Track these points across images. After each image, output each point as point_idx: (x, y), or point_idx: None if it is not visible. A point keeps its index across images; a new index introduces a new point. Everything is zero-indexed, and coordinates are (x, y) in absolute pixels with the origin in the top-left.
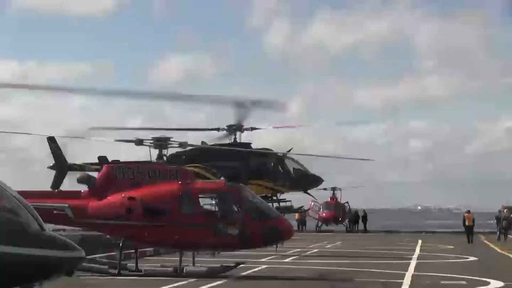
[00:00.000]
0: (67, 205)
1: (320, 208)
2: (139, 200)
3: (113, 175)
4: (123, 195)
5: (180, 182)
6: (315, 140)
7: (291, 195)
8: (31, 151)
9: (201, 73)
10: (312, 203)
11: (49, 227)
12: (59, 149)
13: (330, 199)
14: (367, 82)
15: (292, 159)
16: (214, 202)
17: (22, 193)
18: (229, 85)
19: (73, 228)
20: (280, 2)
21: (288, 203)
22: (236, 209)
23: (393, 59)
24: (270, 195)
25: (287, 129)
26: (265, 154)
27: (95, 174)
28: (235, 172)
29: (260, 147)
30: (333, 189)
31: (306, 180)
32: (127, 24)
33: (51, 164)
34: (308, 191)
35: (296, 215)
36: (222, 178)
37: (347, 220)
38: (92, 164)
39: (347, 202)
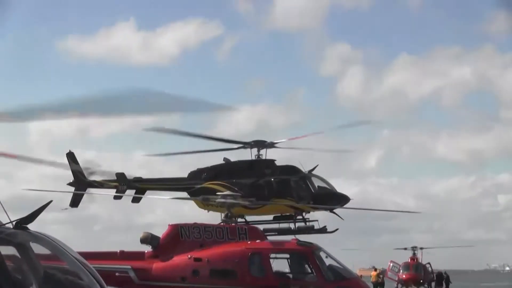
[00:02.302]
0: (130, 267)
1: (399, 269)
2: (206, 262)
3: (178, 234)
4: (189, 256)
5: (249, 242)
6: (390, 194)
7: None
8: (91, 210)
9: (271, 123)
10: (391, 264)
11: None
12: (78, 165)
13: (410, 259)
14: (450, 132)
15: (318, 177)
16: (286, 262)
17: (83, 254)
18: (302, 140)
19: None
20: (354, 49)
21: (312, 223)
22: (309, 270)
23: (478, 108)
24: (293, 214)
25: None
26: (289, 172)
27: (113, 192)
28: (257, 189)
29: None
30: (414, 248)
31: (332, 199)
32: (193, 72)
33: (71, 181)
34: (335, 210)
35: (372, 276)
36: (294, 238)
37: (431, 282)
38: (111, 181)
39: (428, 263)
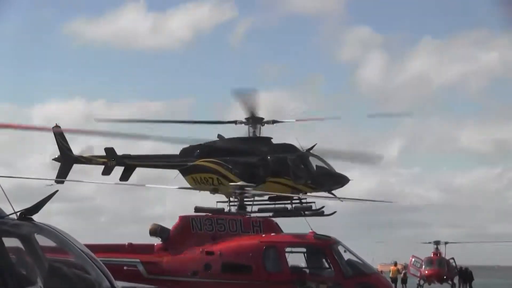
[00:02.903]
0: (138, 260)
1: (421, 265)
2: (218, 255)
3: (189, 227)
4: (200, 249)
5: (264, 235)
6: (413, 186)
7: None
8: (98, 201)
9: (287, 110)
10: (413, 259)
11: (119, 285)
12: (65, 140)
13: (433, 254)
14: (475, 121)
15: (316, 156)
16: (302, 257)
17: (90, 246)
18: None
19: (145, 285)
20: (375, 33)
21: (309, 205)
22: (327, 265)
23: (505, 95)
24: (289, 194)
25: (311, 122)
26: (286, 150)
27: (101, 168)
28: (252, 168)
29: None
30: (436, 243)
31: (331, 179)
32: (206, 57)
33: (56, 156)
34: (333, 191)
35: (391, 272)
36: (311, 230)
37: (455, 278)
38: (99, 156)
39: (452, 258)
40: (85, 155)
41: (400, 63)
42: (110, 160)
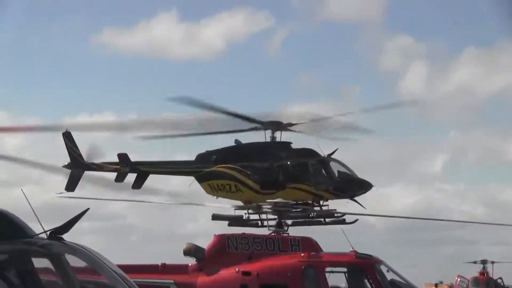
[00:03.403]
0: (172, 281)
1: (468, 285)
2: (255, 276)
3: (225, 246)
4: (236, 269)
5: (303, 254)
6: (457, 202)
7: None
8: (129, 218)
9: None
10: (459, 279)
11: None
12: (76, 146)
13: (480, 274)
14: None
15: (338, 161)
16: (343, 277)
17: (122, 267)
18: (356, 138)
19: None
20: (417, 42)
21: (332, 211)
22: (369, 285)
23: None
24: (310, 201)
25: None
26: (306, 155)
27: (114, 175)
28: (271, 174)
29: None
30: (483, 262)
31: (353, 185)
32: (240, 68)
33: (66, 163)
34: (356, 198)
35: None
36: (352, 249)
37: None
38: (111, 163)
39: (500, 278)
40: (95, 161)
41: (443, 73)
42: (123, 166)
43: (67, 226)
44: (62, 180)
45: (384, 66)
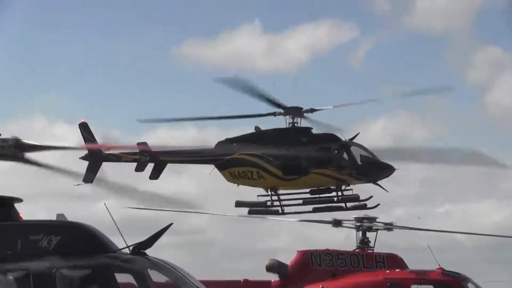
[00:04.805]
0: None
1: None
2: None
3: (308, 262)
4: (320, 286)
5: (388, 271)
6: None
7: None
8: (209, 233)
9: (409, 136)
10: None
11: None
12: (93, 137)
13: None
14: None
15: (359, 145)
16: None
17: (204, 282)
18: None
19: None
20: (507, 53)
21: (355, 196)
22: None
23: None
24: (332, 186)
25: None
26: (327, 140)
27: (134, 166)
28: (293, 160)
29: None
30: None
31: (376, 169)
32: (324, 80)
33: (83, 155)
34: (379, 182)
35: None
36: (438, 266)
37: None
38: (130, 153)
39: None
40: (113, 151)
41: None
42: (143, 155)
43: (150, 241)
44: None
45: (471, 77)
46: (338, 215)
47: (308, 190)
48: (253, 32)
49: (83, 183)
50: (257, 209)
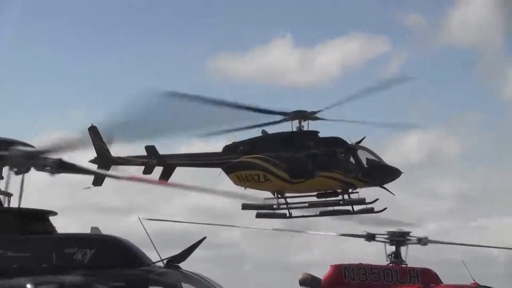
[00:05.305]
0: None
1: None
2: None
3: (341, 277)
4: None
5: (422, 286)
6: None
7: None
8: (241, 247)
9: (443, 152)
10: None
11: None
12: (102, 141)
13: None
14: None
15: (366, 149)
16: None
17: None
18: (474, 167)
19: None
20: None
21: (362, 199)
22: None
23: None
24: (338, 190)
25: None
26: (334, 143)
27: (141, 169)
28: (300, 163)
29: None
30: None
31: (382, 172)
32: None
33: (92, 158)
34: (385, 185)
35: None
36: (473, 281)
37: None
38: (138, 156)
39: None
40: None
41: None
42: (151, 158)
43: (184, 254)
44: (175, 207)
45: (506, 93)
46: (371, 228)
47: (314, 193)
48: (285, 46)
49: (92, 186)
50: (264, 212)
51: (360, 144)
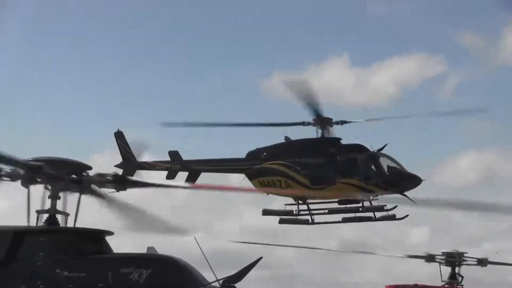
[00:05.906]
0: None
1: None
2: None
3: None
4: None
5: None
6: None
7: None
8: (296, 268)
9: (502, 171)
10: None
11: None
12: (127, 145)
13: None
14: None
15: (387, 156)
16: None
17: None
18: None
19: None
20: None
21: (382, 205)
22: None
23: None
24: (360, 197)
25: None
26: (356, 150)
27: (165, 173)
28: (322, 169)
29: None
30: None
31: (403, 180)
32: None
33: (118, 163)
34: (406, 192)
35: None
36: None
37: None
38: (162, 162)
39: None
40: (148, 160)
41: None
42: (174, 163)
43: (240, 275)
44: (229, 226)
45: None
46: (430, 249)
47: (335, 199)
48: (341, 65)
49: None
50: (288, 218)
51: (381, 152)
